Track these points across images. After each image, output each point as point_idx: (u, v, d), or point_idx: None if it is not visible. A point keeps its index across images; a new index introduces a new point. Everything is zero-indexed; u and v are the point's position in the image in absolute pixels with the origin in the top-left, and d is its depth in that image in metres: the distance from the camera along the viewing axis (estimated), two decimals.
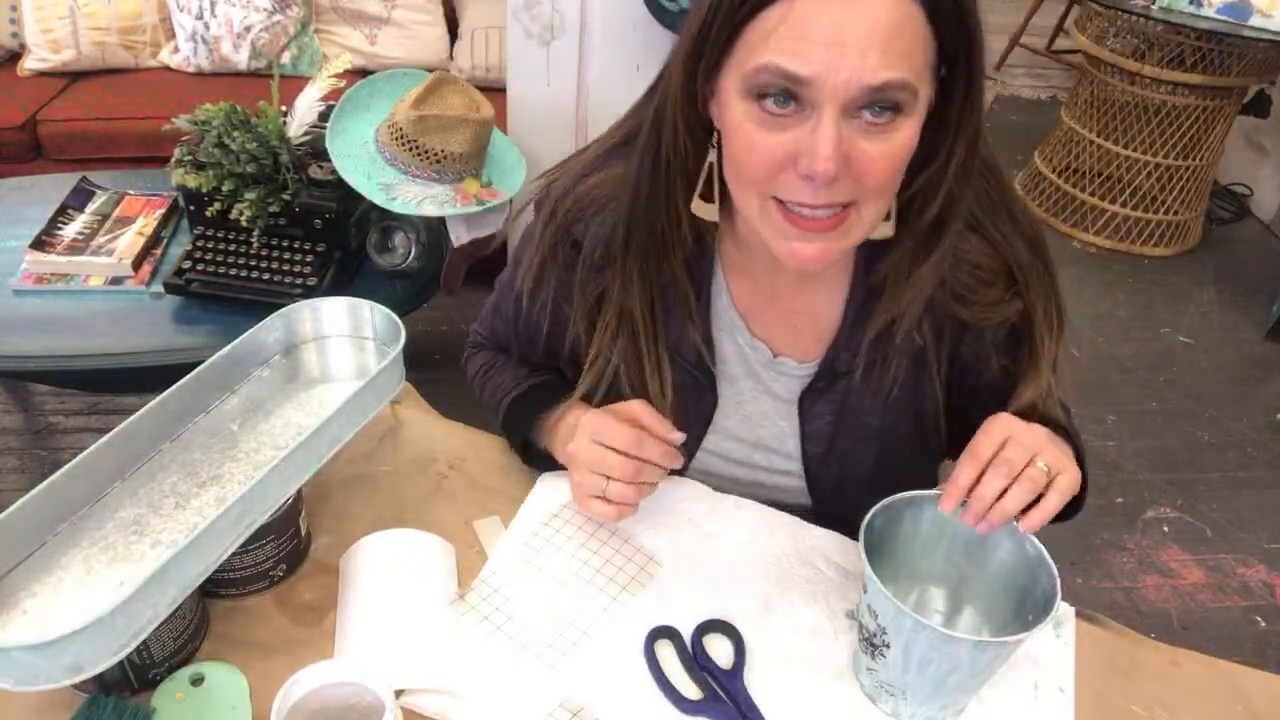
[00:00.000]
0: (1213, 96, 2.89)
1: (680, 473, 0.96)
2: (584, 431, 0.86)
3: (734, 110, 0.70)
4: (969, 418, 0.86)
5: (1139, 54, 2.92)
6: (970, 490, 0.73)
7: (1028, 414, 0.82)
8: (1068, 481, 0.73)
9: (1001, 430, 0.75)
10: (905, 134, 0.68)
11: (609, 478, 0.84)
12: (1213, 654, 0.86)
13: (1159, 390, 2.58)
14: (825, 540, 0.92)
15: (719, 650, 0.81)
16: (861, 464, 0.92)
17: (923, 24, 0.66)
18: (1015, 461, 0.72)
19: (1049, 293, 0.85)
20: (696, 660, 0.79)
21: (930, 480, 0.95)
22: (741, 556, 0.89)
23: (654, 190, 0.79)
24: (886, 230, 0.78)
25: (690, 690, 0.77)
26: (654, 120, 0.77)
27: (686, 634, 0.81)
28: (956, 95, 0.71)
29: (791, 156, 0.68)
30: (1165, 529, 2.17)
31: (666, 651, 0.80)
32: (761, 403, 0.92)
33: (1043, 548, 0.74)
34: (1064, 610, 0.87)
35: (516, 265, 0.95)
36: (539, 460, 0.97)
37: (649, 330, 0.87)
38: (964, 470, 0.74)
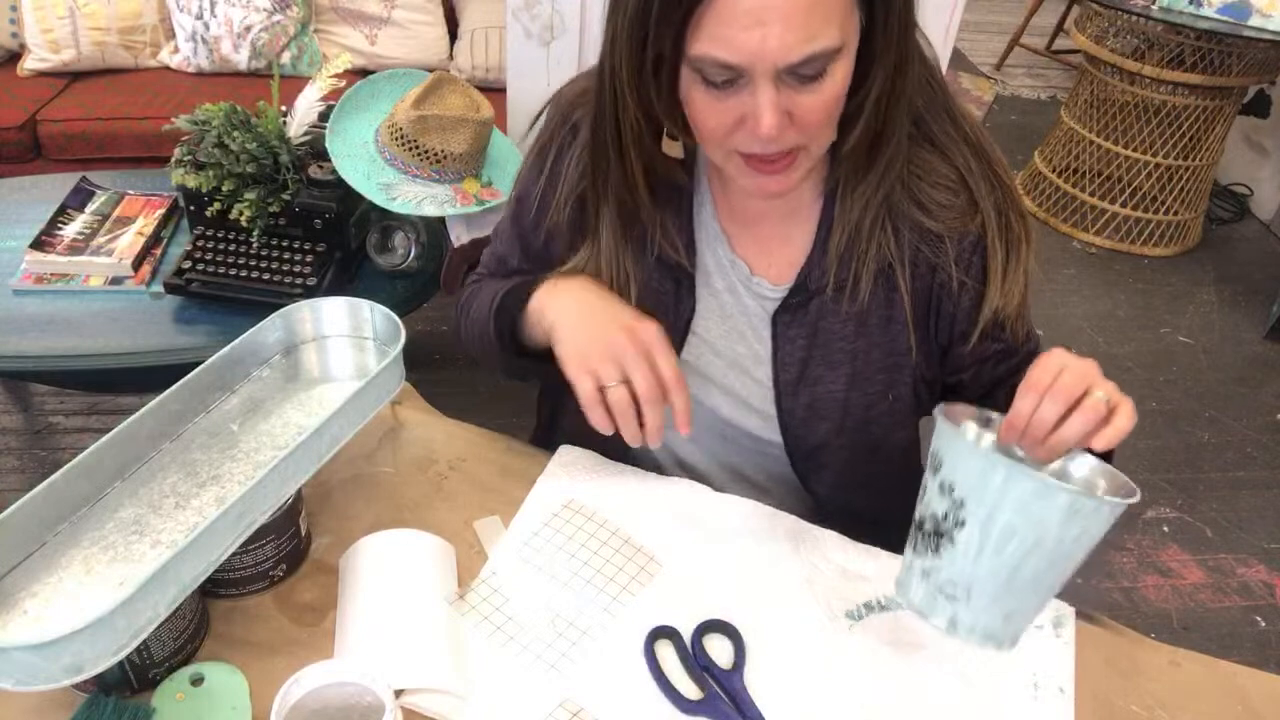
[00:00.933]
0: (1213, 96, 2.89)
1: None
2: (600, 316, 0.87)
3: (684, 80, 0.75)
4: (951, 353, 0.92)
5: (1139, 54, 2.92)
6: (1030, 417, 0.74)
7: (991, 332, 0.89)
8: (1130, 408, 0.75)
9: (1057, 362, 0.76)
10: (837, 78, 0.73)
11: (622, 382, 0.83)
12: (1213, 654, 0.86)
13: (1159, 390, 2.58)
14: (825, 540, 0.92)
15: (719, 650, 0.81)
16: (832, 392, 0.93)
17: None
18: (1073, 389, 0.74)
19: (1002, 200, 0.87)
20: (696, 660, 0.79)
21: (907, 423, 0.98)
22: (741, 556, 0.89)
23: (618, 136, 0.83)
24: (848, 145, 0.83)
25: (690, 690, 0.77)
26: (603, 89, 0.81)
27: (686, 634, 0.81)
28: (878, 22, 0.74)
29: (739, 119, 0.75)
30: (1165, 529, 2.17)
31: (666, 651, 0.80)
32: (738, 320, 0.94)
33: (1105, 463, 0.75)
34: (1064, 610, 0.87)
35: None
36: (520, 369, 0.97)
37: (632, 220, 0.91)
38: (1024, 400, 0.74)
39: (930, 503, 0.72)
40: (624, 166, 0.85)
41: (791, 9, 0.67)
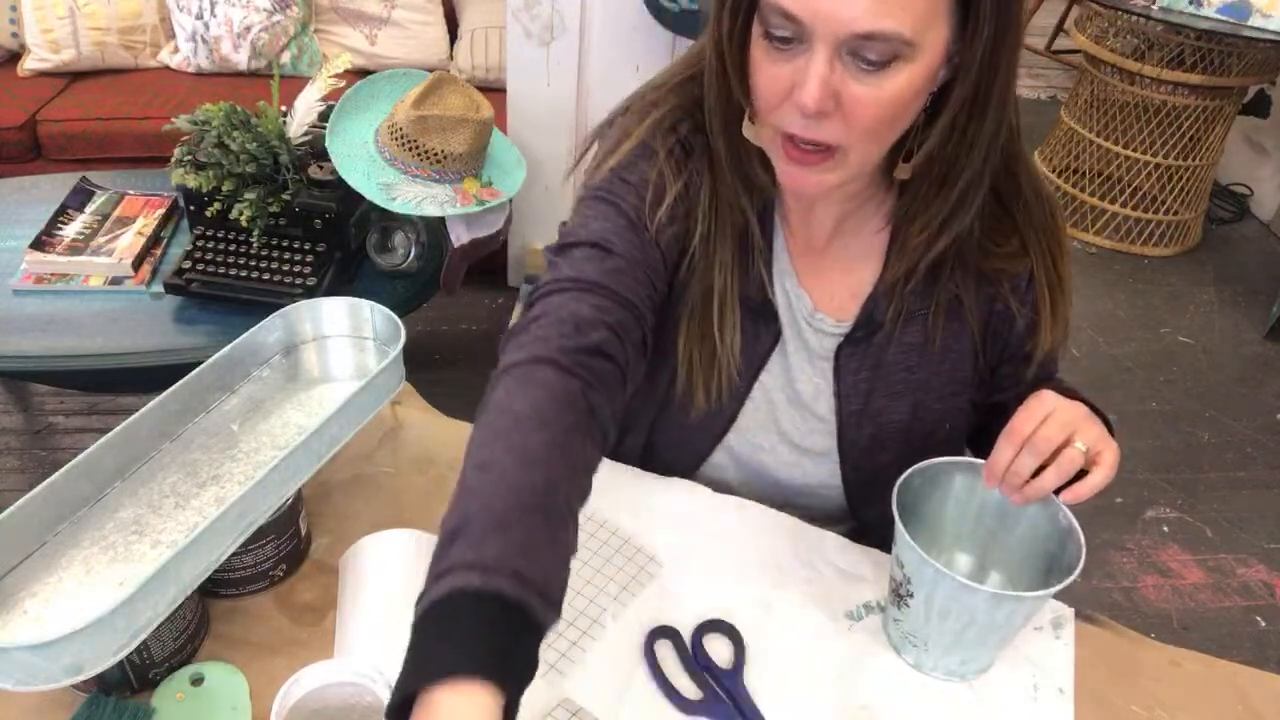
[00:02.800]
0: (1213, 96, 2.89)
1: (724, 434, 0.95)
2: None
3: (754, 42, 0.73)
4: (997, 373, 0.92)
5: (1139, 54, 2.92)
6: (1009, 467, 0.77)
7: (1038, 362, 0.90)
8: (1112, 459, 0.77)
9: (1041, 408, 0.77)
10: (898, 82, 0.69)
11: None
12: (1213, 654, 0.86)
13: (1159, 390, 2.58)
14: (825, 541, 0.92)
15: (719, 650, 0.81)
16: (895, 423, 0.93)
17: None
18: (1053, 440, 0.75)
19: (1048, 251, 0.88)
20: (696, 660, 0.79)
21: (959, 450, 0.98)
22: (741, 556, 0.89)
23: (720, 118, 0.81)
24: (905, 171, 0.80)
25: (690, 690, 0.77)
26: (707, 55, 0.79)
27: (686, 634, 0.81)
28: (964, 51, 0.71)
29: (790, 88, 0.71)
30: (1165, 529, 2.17)
31: (666, 651, 0.80)
32: (799, 355, 0.92)
33: (1074, 519, 0.77)
34: (1064, 611, 0.87)
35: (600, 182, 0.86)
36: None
37: (742, 246, 0.86)
38: (1004, 448, 0.77)
39: (892, 566, 0.80)
40: (727, 147, 0.81)
41: None
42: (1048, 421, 0.76)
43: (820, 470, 0.97)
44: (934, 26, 0.68)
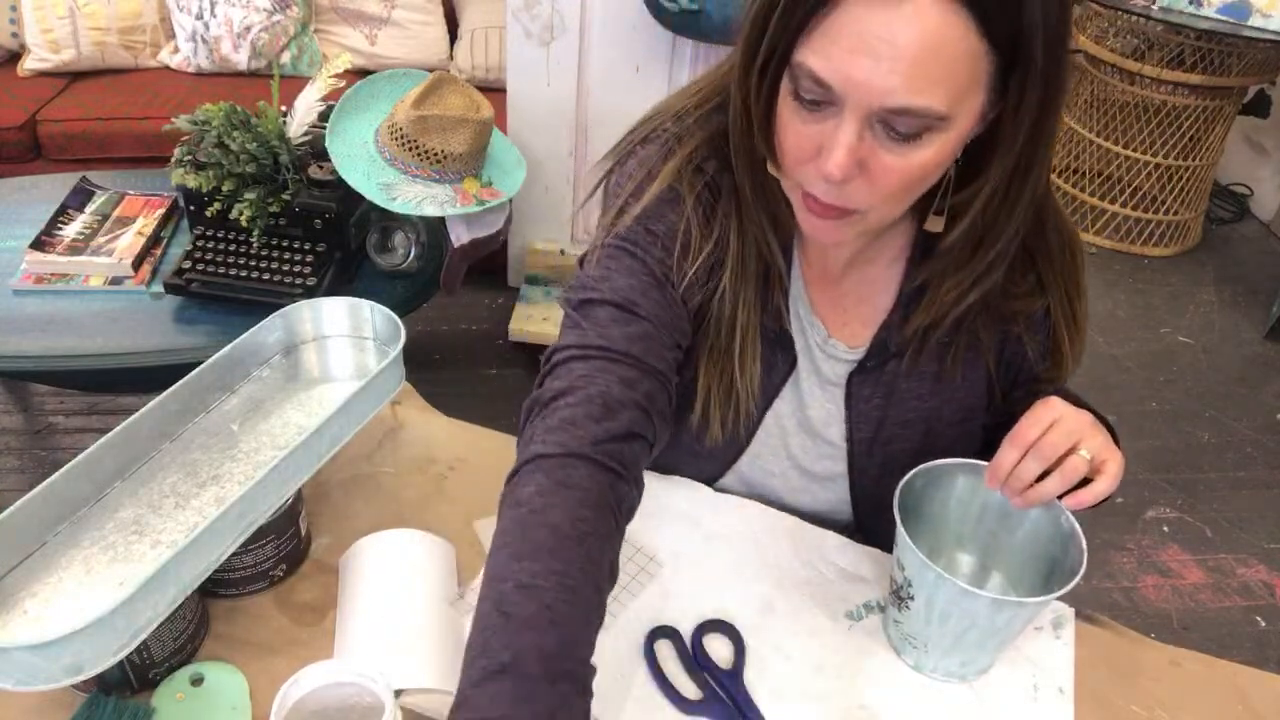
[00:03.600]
0: (1213, 96, 2.89)
1: (735, 459, 0.95)
2: None
3: (782, 99, 0.70)
4: (1009, 398, 0.92)
5: (1139, 54, 2.92)
6: (1012, 470, 0.76)
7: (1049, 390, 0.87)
8: (1116, 469, 0.76)
9: (1048, 414, 0.76)
10: (928, 152, 0.67)
11: None
12: (1213, 654, 0.86)
13: (1159, 390, 2.58)
14: (825, 541, 0.92)
15: (719, 650, 0.81)
16: (906, 451, 0.92)
17: (974, 43, 0.62)
18: (1059, 446, 0.75)
19: (1065, 290, 0.88)
20: (696, 660, 0.79)
21: None
22: (741, 556, 0.89)
23: (746, 164, 0.79)
24: (936, 225, 0.79)
25: (690, 690, 0.77)
26: (733, 101, 0.76)
27: (686, 634, 0.81)
28: (1005, 122, 0.69)
29: (816, 150, 0.69)
30: (1165, 529, 2.17)
31: (666, 651, 0.80)
32: (810, 381, 0.92)
33: (1076, 523, 0.77)
34: (1064, 611, 0.87)
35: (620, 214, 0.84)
36: None
37: (763, 279, 0.84)
38: (1008, 451, 0.76)
39: (894, 568, 0.80)
40: (751, 186, 0.79)
41: (909, 53, 0.61)
42: (1054, 428, 0.75)
43: (829, 495, 0.96)
44: (970, 97, 0.65)
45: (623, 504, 0.71)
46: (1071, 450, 0.75)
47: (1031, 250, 0.85)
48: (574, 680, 0.61)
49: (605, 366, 0.73)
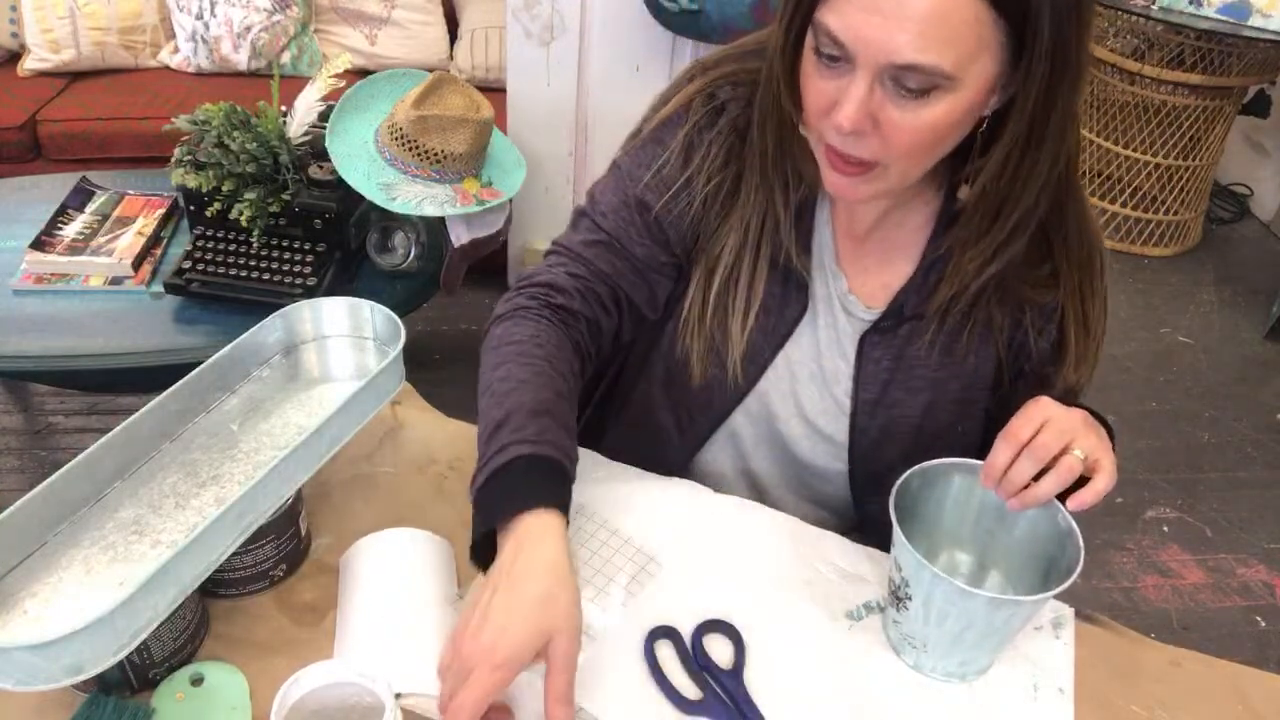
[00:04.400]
0: (1213, 96, 2.89)
1: (746, 392, 0.96)
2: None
3: (805, 55, 0.75)
4: (1014, 388, 0.93)
5: (1139, 54, 2.92)
6: (1006, 469, 0.77)
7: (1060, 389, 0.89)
8: (1111, 466, 0.77)
9: (1040, 413, 0.77)
10: (937, 111, 0.70)
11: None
12: (1213, 654, 0.86)
13: (1159, 390, 2.58)
14: (825, 541, 0.92)
15: (719, 650, 0.81)
16: (907, 418, 0.94)
17: (980, 11, 0.66)
18: (1051, 447, 0.75)
19: (1079, 288, 0.89)
20: (696, 660, 0.79)
21: (967, 450, 0.97)
22: (741, 556, 0.89)
23: (774, 117, 0.83)
24: (965, 192, 0.81)
25: (690, 690, 0.77)
26: (768, 54, 0.81)
27: (686, 634, 0.81)
28: (1019, 86, 0.71)
29: (832, 103, 0.73)
30: (1165, 529, 2.17)
31: (666, 651, 0.80)
32: (828, 333, 0.94)
33: (1073, 521, 0.77)
34: (1064, 611, 0.87)
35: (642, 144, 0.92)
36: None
37: (772, 223, 0.88)
38: (999, 452, 0.77)
39: (891, 569, 0.80)
40: (774, 145, 0.84)
41: (917, 14, 0.65)
42: (1046, 428, 0.76)
43: (827, 453, 0.98)
44: (979, 61, 0.69)
45: (577, 342, 0.88)
46: (1064, 450, 0.75)
47: (1051, 240, 0.86)
48: (557, 407, 0.80)
49: (563, 262, 0.92)
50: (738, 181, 0.88)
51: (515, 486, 0.74)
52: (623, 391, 1.05)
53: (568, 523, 0.75)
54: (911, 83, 0.68)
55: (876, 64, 0.68)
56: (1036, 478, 0.76)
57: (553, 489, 0.75)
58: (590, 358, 0.91)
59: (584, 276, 0.90)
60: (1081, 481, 0.76)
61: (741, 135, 0.87)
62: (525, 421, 0.77)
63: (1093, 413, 0.84)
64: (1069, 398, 0.90)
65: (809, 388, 0.95)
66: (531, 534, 0.72)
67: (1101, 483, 0.76)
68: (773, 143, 0.83)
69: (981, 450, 0.81)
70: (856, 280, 0.92)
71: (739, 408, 0.98)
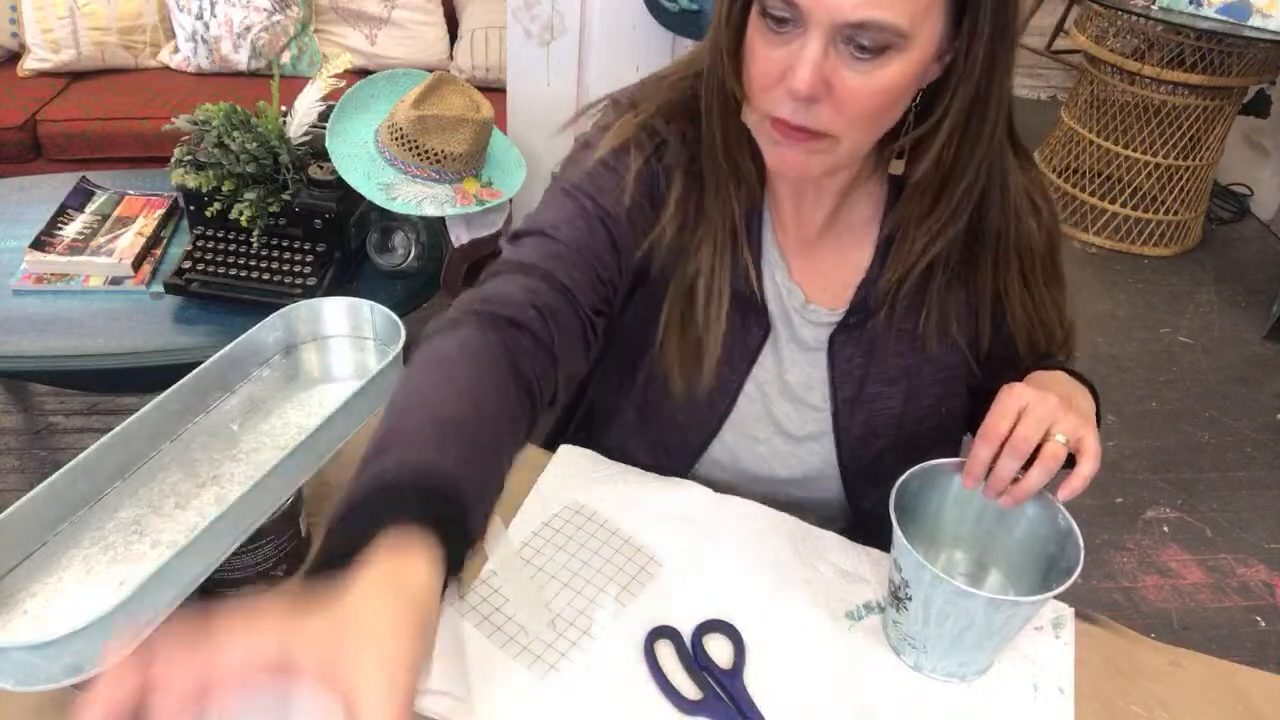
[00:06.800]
0: (1213, 96, 2.89)
1: (719, 428, 0.96)
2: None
3: (752, 22, 0.74)
4: (988, 364, 0.93)
5: (1139, 54, 2.92)
6: (990, 467, 0.76)
7: (1032, 351, 0.92)
8: (1094, 444, 0.75)
9: (1015, 403, 0.75)
10: (890, 73, 0.70)
11: None
12: (1213, 654, 0.86)
13: (1159, 390, 2.58)
14: (825, 541, 0.92)
15: (719, 650, 0.81)
16: (888, 409, 0.94)
17: None
18: (1031, 439, 0.74)
19: (1025, 276, 0.89)
20: (696, 660, 0.79)
21: (955, 436, 0.98)
22: (741, 556, 0.89)
23: (719, 103, 0.81)
24: (898, 167, 0.81)
25: (690, 690, 0.77)
26: (709, 38, 0.80)
27: (686, 634, 0.81)
28: (960, 52, 0.72)
29: (783, 72, 0.71)
30: (1165, 529, 2.17)
31: (666, 651, 0.80)
32: (790, 348, 0.93)
33: (1074, 521, 0.77)
34: (1064, 610, 0.87)
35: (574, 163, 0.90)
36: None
37: (725, 248, 0.86)
38: (979, 451, 0.76)
39: (891, 569, 0.79)
40: (722, 134, 0.82)
41: None
42: (1023, 419, 0.74)
43: (815, 459, 0.97)
44: (929, 19, 0.69)
45: (518, 368, 0.72)
46: (1046, 437, 0.74)
47: (985, 223, 0.86)
48: (472, 437, 0.63)
49: (512, 278, 0.79)
50: (701, 202, 0.86)
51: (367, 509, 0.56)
52: (595, 440, 1.02)
53: (458, 551, 0.56)
54: (865, 39, 0.68)
55: (831, 23, 0.67)
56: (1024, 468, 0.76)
57: (426, 505, 0.56)
58: (541, 387, 0.75)
59: (542, 291, 0.80)
60: (1071, 462, 0.76)
61: (694, 157, 0.86)
62: (419, 446, 0.61)
63: (1076, 375, 0.84)
64: (1050, 362, 0.91)
65: (781, 405, 0.95)
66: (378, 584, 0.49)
67: (1087, 467, 0.74)
68: (720, 131, 0.82)
69: (971, 426, 0.80)
70: (814, 287, 0.91)
71: (715, 439, 0.97)
